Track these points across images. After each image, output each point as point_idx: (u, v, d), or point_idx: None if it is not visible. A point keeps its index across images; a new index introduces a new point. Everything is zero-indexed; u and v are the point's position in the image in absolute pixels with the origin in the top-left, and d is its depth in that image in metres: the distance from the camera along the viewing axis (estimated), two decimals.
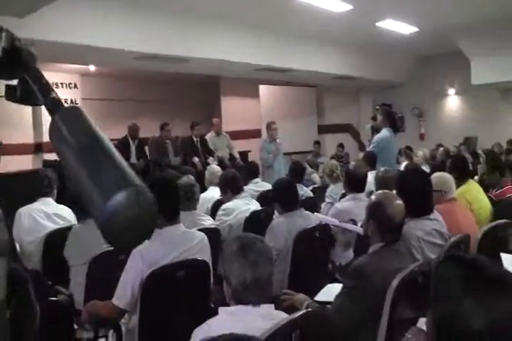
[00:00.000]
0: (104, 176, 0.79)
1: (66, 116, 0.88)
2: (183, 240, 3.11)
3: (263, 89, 12.85)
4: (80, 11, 7.01)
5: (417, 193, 3.20)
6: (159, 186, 3.32)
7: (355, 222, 3.08)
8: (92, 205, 0.79)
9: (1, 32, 0.96)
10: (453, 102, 13.52)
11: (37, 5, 5.86)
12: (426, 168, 7.42)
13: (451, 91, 13.37)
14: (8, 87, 1.01)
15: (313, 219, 4.09)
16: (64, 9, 6.36)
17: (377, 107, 11.94)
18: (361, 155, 7.22)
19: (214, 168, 6.51)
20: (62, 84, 11.71)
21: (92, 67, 11.18)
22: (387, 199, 2.79)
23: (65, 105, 0.93)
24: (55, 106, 0.92)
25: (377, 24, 9.49)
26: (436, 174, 4.17)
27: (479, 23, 9.63)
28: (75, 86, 11.96)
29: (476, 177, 6.43)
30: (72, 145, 0.83)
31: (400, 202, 2.78)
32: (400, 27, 9.87)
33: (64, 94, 11.62)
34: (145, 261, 2.89)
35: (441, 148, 8.80)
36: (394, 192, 3.21)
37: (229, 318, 2.00)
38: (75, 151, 0.82)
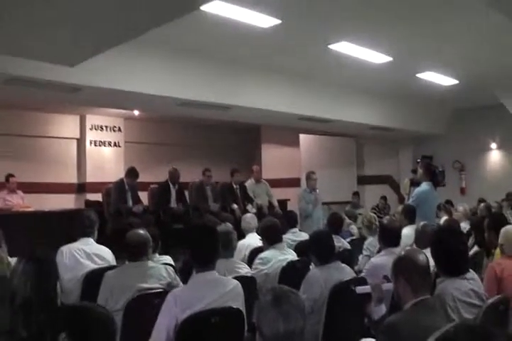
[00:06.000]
0: None
1: None
2: (217, 286, 3.16)
3: (303, 138, 12.94)
4: (126, 59, 7.28)
5: (453, 253, 3.18)
6: (198, 232, 3.40)
7: (388, 279, 3.06)
8: None
9: None
10: (495, 157, 13.37)
11: (87, 55, 6.10)
12: (466, 224, 7.32)
13: (493, 145, 13.25)
14: None
15: (349, 271, 4.09)
16: (110, 57, 6.59)
17: (418, 160, 11.91)
18: (400, 208, 7.19)
19: (247, 216, 6.58)
20: (106, 127, 12.08)
21: (136, 112, 11.47)
22: (410, 253, 2.80)
23: None
24: None
25: (418, 75, 9.58)
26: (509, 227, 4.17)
27: None
28: (119, 129, 12.30)
29: None
30: None
31: (423, 255, 2.77)
32: (439, 79, 9.92)
33: (108, 137, 11.98)
34: (178, 304, 2.95)
35: (482, 204, 8.66)
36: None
37: None
38: None
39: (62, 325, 1.88)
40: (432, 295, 2.84)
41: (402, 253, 2.84)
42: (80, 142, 11.93)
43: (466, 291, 3.07)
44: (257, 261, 4.85)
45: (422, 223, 5.14)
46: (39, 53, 5.96)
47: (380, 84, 10.11)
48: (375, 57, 8.28)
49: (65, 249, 4.62)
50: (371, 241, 5.97)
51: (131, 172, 8.36)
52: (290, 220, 6.61)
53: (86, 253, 4.66)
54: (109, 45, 5.87)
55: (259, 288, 4.19)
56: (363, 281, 3.82)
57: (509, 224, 4.54)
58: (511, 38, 7.24)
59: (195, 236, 3.37)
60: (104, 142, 12.05)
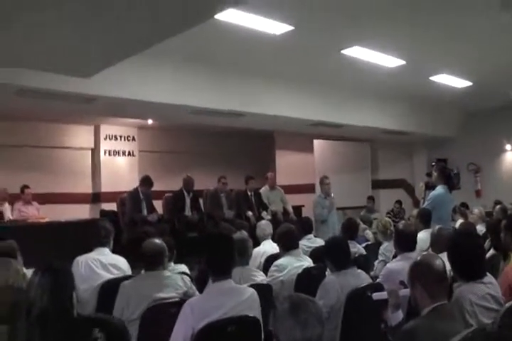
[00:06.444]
0: None
1: None
2: (233, 295, 3.16)
3: (317, 143, 12.86)
4: (139, 69, 7.32)
5: (469, 257, 3.15)
6: (214, 241, 3.39)
7: (405, 285, 3.04)
8: None
9: None
10: (511, 158, 13.24)
11: (103, 66, 6.16)
12: (481, 227, 7.26)
13: (508, 146, 13.13)
14: None
15: (365, 277, 4.07)
16: (124, 67, 6.63)
17: (433, 163, 11.83)
18: (415, 212, 7.14)
19: (262, 223, 6.58)
20: (120, 136, 12.15)
21: (149, 121, 11.52)
22: (426, 258, 2.78)
23: None
24: None
25: (431, 78, 9.54)
26: None
27: None
28: (133, 138, 12.36)
29: None
30: None
31: (440, 260, 2.75)
32: (453, 81, 9.87)
33: (122, 146, 12.04)
34: (195, 313, 2.95)
35: (498, 206, 8.58)
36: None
37: None
38: None
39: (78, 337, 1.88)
40: (450, 300, 2.81)
41: (418, 258, 2.82)
42: (95, 152, 12.00)
43: (483, 295, 3.04)
44: (272, 268, 4.83)
45: (437, 227, 5.08)
46: (52, 65, 6.00)
47: (393, 87, 10.07)
48: (388, 60, 8.27)
49: (81, 259, 4.65)
50: (387, 246, 5.93)
51: (146, 181, 8.39)
52: (305, 226, 6.58)
53: (102, 264, 4.68)
54: (126, 55, 5.92)
55: (275, 296, 4.18)
56: (379, 287, 3.80)
57: None
58: None
59: (211, 244, 3.37)
60: (119, 151, 12.12)
